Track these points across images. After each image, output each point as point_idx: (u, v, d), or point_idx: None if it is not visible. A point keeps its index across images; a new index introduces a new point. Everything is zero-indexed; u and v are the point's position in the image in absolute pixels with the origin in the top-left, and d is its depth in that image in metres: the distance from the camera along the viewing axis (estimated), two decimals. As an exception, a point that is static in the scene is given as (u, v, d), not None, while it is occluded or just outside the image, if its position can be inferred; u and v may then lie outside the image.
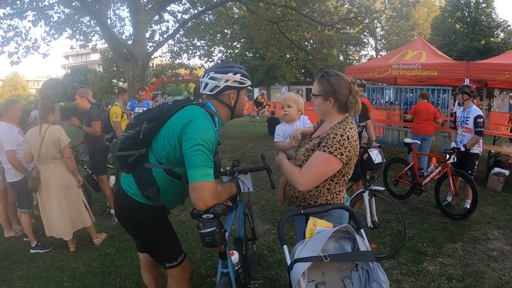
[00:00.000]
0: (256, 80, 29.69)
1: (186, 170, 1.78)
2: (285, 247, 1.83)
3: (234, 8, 13.60)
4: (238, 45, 16.82)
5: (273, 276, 3.43)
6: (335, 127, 1.98)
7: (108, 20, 9.95)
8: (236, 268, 2.20)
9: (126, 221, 2.14)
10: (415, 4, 35.34)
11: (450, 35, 29.00)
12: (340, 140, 1.89)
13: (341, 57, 34.45)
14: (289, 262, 1.75)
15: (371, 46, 38.18)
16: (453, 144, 5.27)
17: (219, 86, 1.95)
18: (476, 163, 5.06)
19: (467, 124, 5.03)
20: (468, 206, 4.90)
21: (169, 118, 1.90)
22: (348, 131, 1.93)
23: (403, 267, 3.57)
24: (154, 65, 14.38)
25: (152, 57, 11.01)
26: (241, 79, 1.98)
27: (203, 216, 1.81)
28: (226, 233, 2.21)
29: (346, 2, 30.76)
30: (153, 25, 11.53)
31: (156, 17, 11.19)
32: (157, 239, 2.10)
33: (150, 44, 11.19)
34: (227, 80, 1.94)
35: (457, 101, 5.20)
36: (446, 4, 32.16)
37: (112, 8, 11.17)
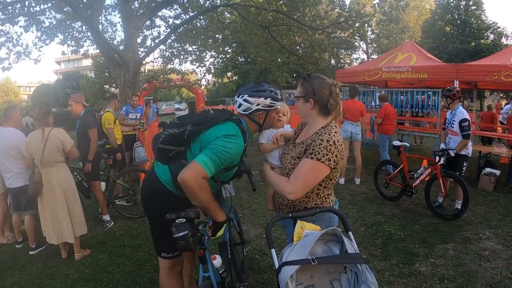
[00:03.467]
0: (248, 85, 29.79)
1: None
2: (273, 250, 1.84)
3: (226, 13, 13.60)
4: (229, 50, 16.83)
5: (265, 280, 3.44)
6: (320, 132, 1.97)
7: (100, 26, 9.89)
8: (220, 272, 2.21)
9: (149, 204, 2.32)
10: (404, 8, 35.83)
11: (441, 38, 29.36)
12: (326, 146, 1.88)
13: (333, 61, 34.56)
14: (277, 265, 1.75)
15: (363, 50, 38.55)
16: (442, 146, 5.33)
17: (251, 109, 2.17)
18: (465, 164, 5.10)
19: (453, 127, 5.08)
20: (459, 206, 4.95)
21: (211, 127, 2.10)
22: (334, 135, 1.93)
23: (395, 269, 3.59)
24: (146, 71, 14.34)
25: (144, 62, 10.96)
26: (270, 103, 2.18)
27: (176, 221, 1.89)
28: (206, 238, 2.22)
29: (336, 7, 31.09)
30: (144, 30, 11.46)
31: (148, 23, 11.16)
32: (169, 228, 2.16)
33: (142, 49, 11.12)
34: (258, 104, 2.15)
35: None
36: (436, 7, 32.60)
37: (104, 13, 11.13)
